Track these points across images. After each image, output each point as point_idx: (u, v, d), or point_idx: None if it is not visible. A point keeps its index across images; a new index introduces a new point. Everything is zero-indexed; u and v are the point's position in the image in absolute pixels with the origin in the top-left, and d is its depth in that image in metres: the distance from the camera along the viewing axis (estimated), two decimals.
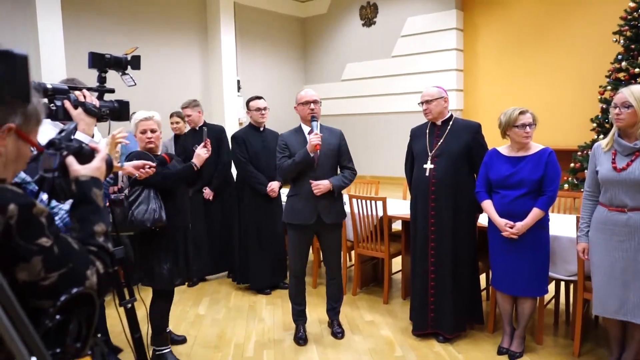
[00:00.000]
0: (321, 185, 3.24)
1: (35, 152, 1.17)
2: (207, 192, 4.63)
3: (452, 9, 9.77)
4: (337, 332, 3.51)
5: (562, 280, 3.31)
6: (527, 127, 2.94)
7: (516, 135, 2.99)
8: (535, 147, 3.03)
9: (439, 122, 3.35)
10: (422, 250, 3.33)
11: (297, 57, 12.04)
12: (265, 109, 4.32)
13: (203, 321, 3.85)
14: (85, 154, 1.27)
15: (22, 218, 0.94)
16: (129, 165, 2.70)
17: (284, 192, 4.55)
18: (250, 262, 4.37)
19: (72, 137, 1.29)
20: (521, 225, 2.92)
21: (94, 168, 1.26)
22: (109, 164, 1.35)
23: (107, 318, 3.14)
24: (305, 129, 3.37)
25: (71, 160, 1.23)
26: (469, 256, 3.33)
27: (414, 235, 3.41)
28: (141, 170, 2.74)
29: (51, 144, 1.24)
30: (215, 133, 4.61)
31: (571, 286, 3.49)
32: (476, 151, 3.26)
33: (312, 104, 3.31)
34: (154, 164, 2.82)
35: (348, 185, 3.39)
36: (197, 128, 4.73)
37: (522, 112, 2.96)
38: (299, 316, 3.50)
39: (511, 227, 2.95)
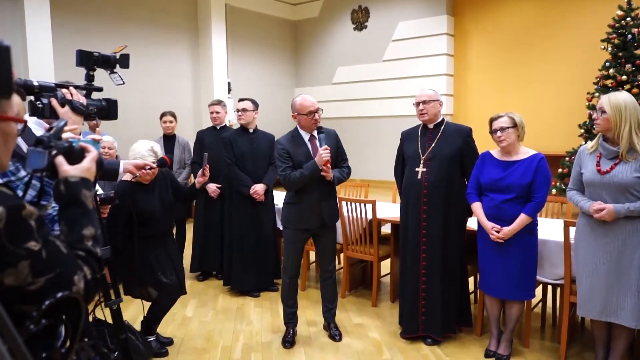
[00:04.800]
0: (330, 173, 3.24)
1: (20, 126, 1.11)
2: (212, 189, 4.64)
3: (443, 14, 9.84)
4: (335, 334, 3.49)
5: (550, 284, 3.33)
6: (499, 131, 2.98)
7: (494, 141, 3.04)
8: (526, 152, 3.04)
9: (431, 126, 3.36)
10: (413, 253, 3.33)
11: (288, 60, 12.04)
12: (243, 110, 4.28)
13: (190, 323, 3.82)
14: (75, 154, 1.22)
15: (11, 221, 0.91)
16: (130, 164, 2.68)
17: (277, 194, 4.56)
18: (236, 264, 4.35)
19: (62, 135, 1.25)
20: (507, 230, 2.94)
21: (84, 169, 1.21)
22: (100, 164, 1.31)
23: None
24: (305, 135, 3.34)
25: (60, 160, 1.18)
26: (458, 259, 3.34)
27: (404, 238, 3.41)
28: (142, 170, 2.72)
29: (39, 141, 1.19)
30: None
31: (558, 290, 3.51)
32: (467, 155, 3.28)
33: (315, 114, 3.25)
34: (155, 166, 2.84)
35: (345, 179, 3.44)
36: (218, 127, 4.84)
37: (493, 119, 3.04)
38: (290, 318, 3.48)
39: (498, 231, 2.97)
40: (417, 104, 3.32)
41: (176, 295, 3.25)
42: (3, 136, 1.01)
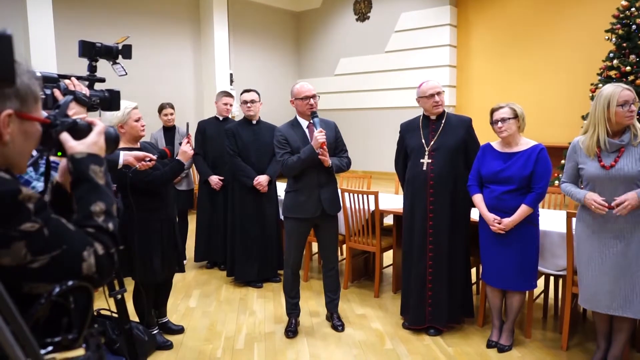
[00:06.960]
0: (327, 157, 3.22)
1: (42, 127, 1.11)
2: (214, 181, 4.66)
3: (445, 5, 9.78)
4: (338, 325, 3.51)
5: (551, 275, 3.33)
6: (500, 122, 2.98)
7: (494, 132, 3.03)
8: (526, 143, 3.04)
9: (433, 117, 3.36)
10: (420, 245, 3.32)
11: (290, 51, 12.00)
12: (252, 101, 4.29)
13: (194, 313, 3.85)
14: (80, 129, 1.19)
15: (4, 205, 0.92)
16: (129, 156, 2.67)
17: (280, 186, 4.56)
18: (239, 255, 4.37)
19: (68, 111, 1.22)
20: (509, 221, 2.94)
21: (90, 143, 1.18)
22: (113, 137, 1.27)
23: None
24: (303, 122, 3.35)
25: (66, 137, 1.16)
26: (463, 250, 3.35)
27: (410, 229, 3.39)
28: (142, 162, 2.70)
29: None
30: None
31: (560, 281, 3.52)
32: (470, 145, 3.29)
33: (311, 99, 3.27)
34: (154, 157, 2.77)
35: (345, 169, 3.41)
36: (221, 119, 4.82)
37: (494, 109, 3.04)
38: (293, 309, 3.50)
39: (499, 223, 2.97)
40: (432, 95, 3.24)
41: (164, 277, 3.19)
42: (25, 136, 1.03)
